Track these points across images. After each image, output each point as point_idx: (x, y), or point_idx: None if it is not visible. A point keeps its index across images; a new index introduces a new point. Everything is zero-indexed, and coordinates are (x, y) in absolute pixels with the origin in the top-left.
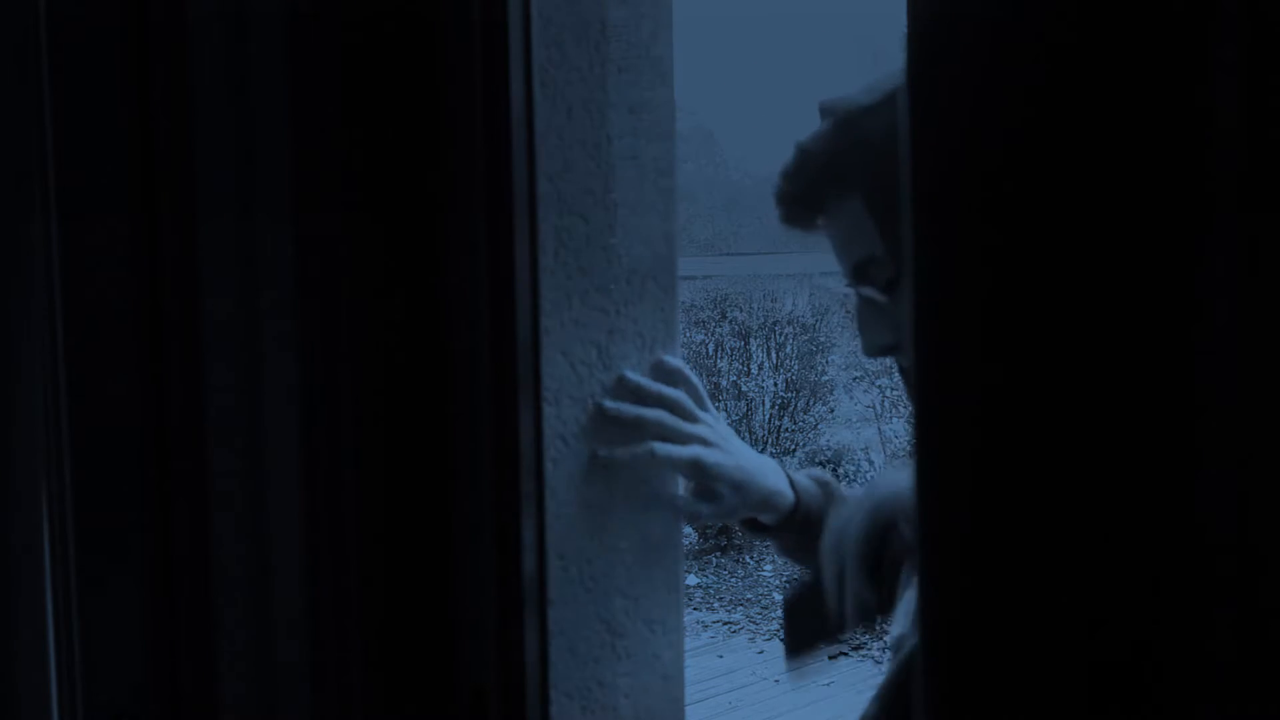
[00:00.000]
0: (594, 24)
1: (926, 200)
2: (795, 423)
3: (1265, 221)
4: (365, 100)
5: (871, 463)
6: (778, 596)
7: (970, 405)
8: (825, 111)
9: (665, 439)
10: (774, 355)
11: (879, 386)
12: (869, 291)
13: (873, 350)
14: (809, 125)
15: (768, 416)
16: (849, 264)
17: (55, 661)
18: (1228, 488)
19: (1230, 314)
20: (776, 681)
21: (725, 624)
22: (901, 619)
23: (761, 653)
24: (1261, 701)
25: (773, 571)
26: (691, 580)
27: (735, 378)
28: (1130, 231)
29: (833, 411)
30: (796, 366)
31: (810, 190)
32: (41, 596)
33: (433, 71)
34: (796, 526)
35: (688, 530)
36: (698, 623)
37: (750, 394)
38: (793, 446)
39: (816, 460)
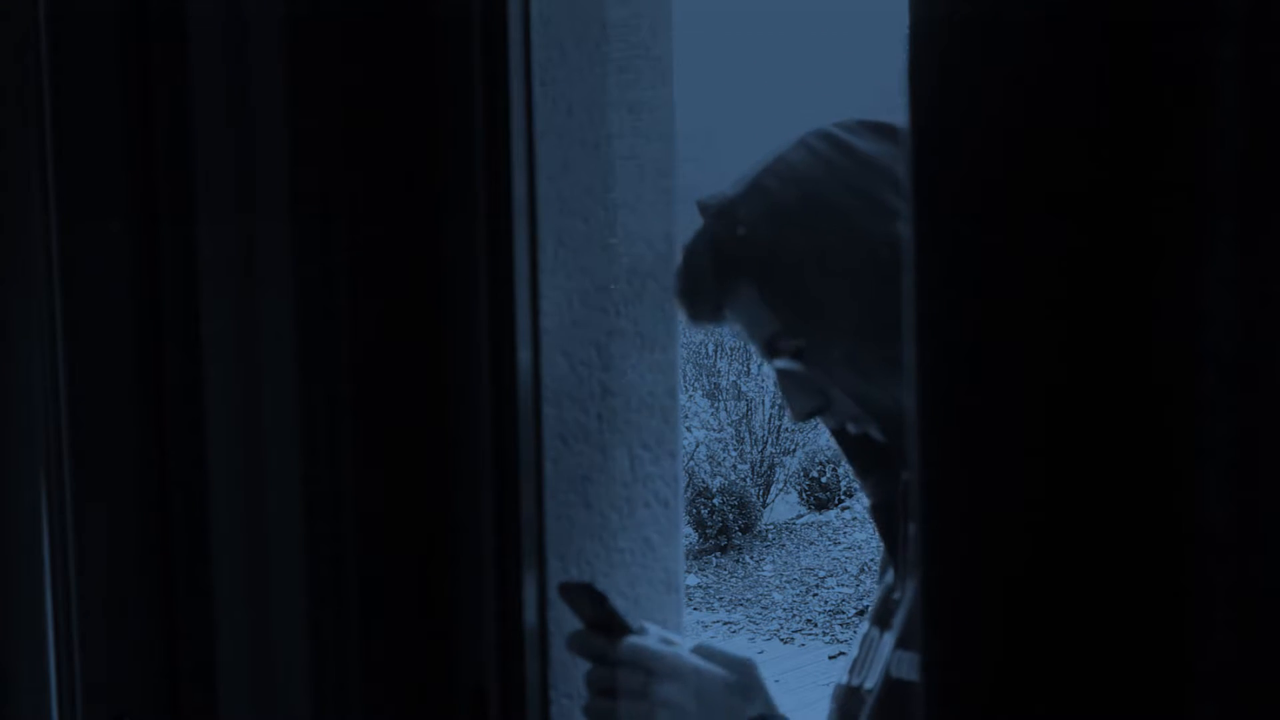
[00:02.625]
0: (594, 24)
1: (926, 200)
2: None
3: (1266, 222)
4: (364, 100)
5: None
6: (777, 596)
7: (970, 405)
8: (701, 209)
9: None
10: None
11: None
12: (782, 363)
13: (801, 415)
14: (809, 123)
15: (767, 416)
16: (758, 343)
17: (55, 661)
18: (1228, 487)
19: (1231, 313)
20: (777, 681)
21: (725, 624)
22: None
23: (761, 653)
24: (1261, 701)
25: (773, 571)
26: (691, 580)
27: (735, 378)
28: (1130, 231)
29: None
30: None
31: (704, 288)
32: (41, 597)
33: (432, 71)
34: None
35: (688, 530)
36: (698, 623)
37: (750, 394)
38: (793, 446)
39: (816, 460)
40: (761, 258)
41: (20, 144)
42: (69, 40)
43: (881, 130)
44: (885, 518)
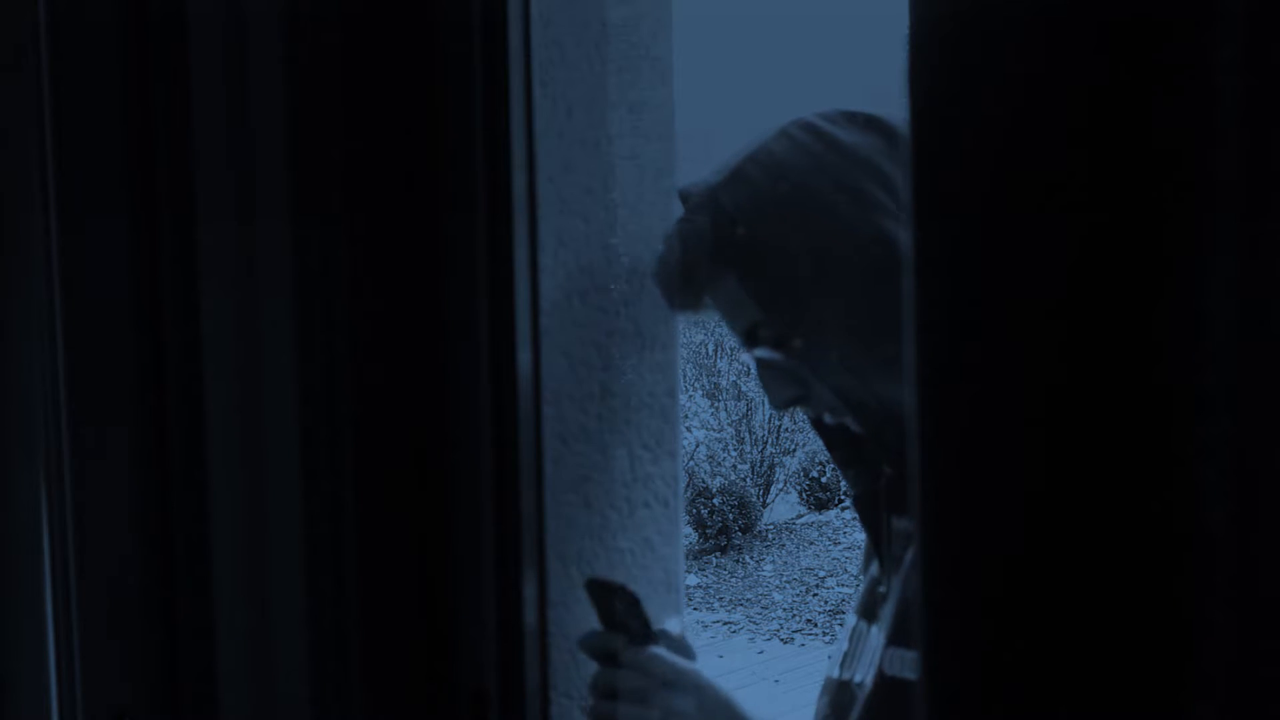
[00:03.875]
0: (594, 24)
1: (926, 200)
2: (795, 422)
3: (1266, 222)
4: (364, 100)
5: None
6: (777, 596)
7: (970, 405)
8: (683, 198)
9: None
10: None
11: None
12: (762, 353)
13: (780, 404)
14: None
15: (767, 416)
16: (738, 332)
17: (55, 661)
18: (1228, 487)
19: (1231, 314)
20: (777, 681)
21: (725, 624)
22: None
23: (761, 653)
24: (1261, 701)
25: (773, 571)
26: (691, 580)
27: (735, 378)
28: (1130, 231)
29: None
30: None
31: (686, 275)
32: (41, 597)
33: (432, 71)
34: None
35: (688, 530)
36: (698, 623)
37: (750, 394)
38: (792, 447)
39: (816, 460)
40: (743, 248)
41: (20, 144)
42: (69, 40)
43: (863, 121)
44: (868, 509)
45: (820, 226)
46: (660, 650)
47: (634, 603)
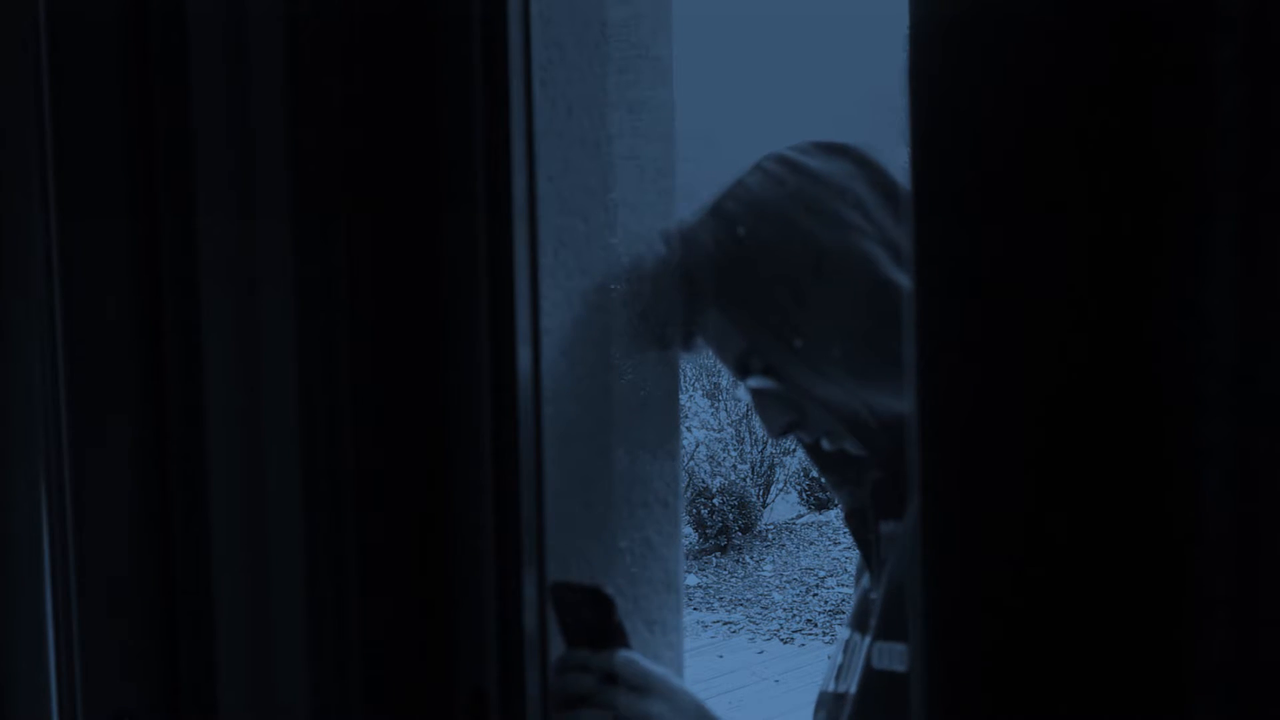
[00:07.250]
0: (594, 24)
1: (927, 201)
2: None
3: (1266, 222)
4: (365, 100)
5: None
6: (777, 596)
7: (969, 406)
8: (663, 239)
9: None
10: None
11: None
12: (755, 381)
13: (777, 431)
14: (809, 124)
15: None
16: (729, 364)
17: (55, 661)
18: (1228, 488)
19: (1231, 314)
20: (777, 681)
21: (725, 624)
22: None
23: (761, 653)
24: (1261, 701)
25: (773, 571)
26: (691, 580)
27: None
28: (1130, 232)
29: None
30: None
31: (673, 316)
32: (41, 597)
33: (432, 71)
34: None
35: (688, 530)
36: (698, 623)
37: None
38: (792, 447)
39: None
40: (724, 279)
41: (20, 144)
42: (69, 40)
43: (833, 149)
44: (860, 524)
45: (796, 250)
46: (633, 654)
47: (608, 604)
